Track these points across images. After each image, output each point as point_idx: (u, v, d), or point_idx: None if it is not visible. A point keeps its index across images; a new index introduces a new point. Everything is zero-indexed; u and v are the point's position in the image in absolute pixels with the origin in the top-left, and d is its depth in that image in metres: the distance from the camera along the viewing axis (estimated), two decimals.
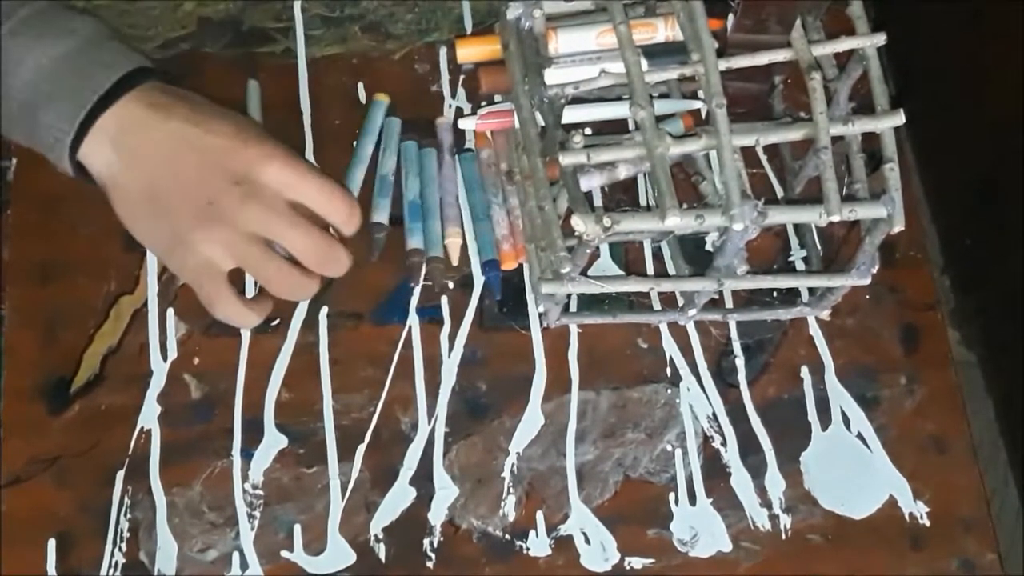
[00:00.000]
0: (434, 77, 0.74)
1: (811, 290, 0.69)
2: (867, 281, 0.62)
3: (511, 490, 0.65)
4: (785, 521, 0.65)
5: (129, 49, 0.61)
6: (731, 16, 0.64)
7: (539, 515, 0.65)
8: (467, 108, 0.73)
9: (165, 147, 0.59)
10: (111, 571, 0.63)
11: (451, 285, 0.69)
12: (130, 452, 0.65)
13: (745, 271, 0.60)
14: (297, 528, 0.64)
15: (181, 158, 0.59)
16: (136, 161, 0.59)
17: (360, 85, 0.74)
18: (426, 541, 0.64)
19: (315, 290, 0.64)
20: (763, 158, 0.73)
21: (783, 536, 0.65)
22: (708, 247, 0.70)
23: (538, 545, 0.64)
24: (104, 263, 0.69)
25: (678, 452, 0.67)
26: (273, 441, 0.66)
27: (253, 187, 0.59)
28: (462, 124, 0.70)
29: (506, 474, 0.66)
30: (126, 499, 0.64)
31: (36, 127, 0.59)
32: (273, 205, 0.60)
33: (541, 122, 0.62)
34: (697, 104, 0.70)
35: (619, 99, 0.69)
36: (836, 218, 0.56)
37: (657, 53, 0.67)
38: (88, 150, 0.60)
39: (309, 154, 0.72)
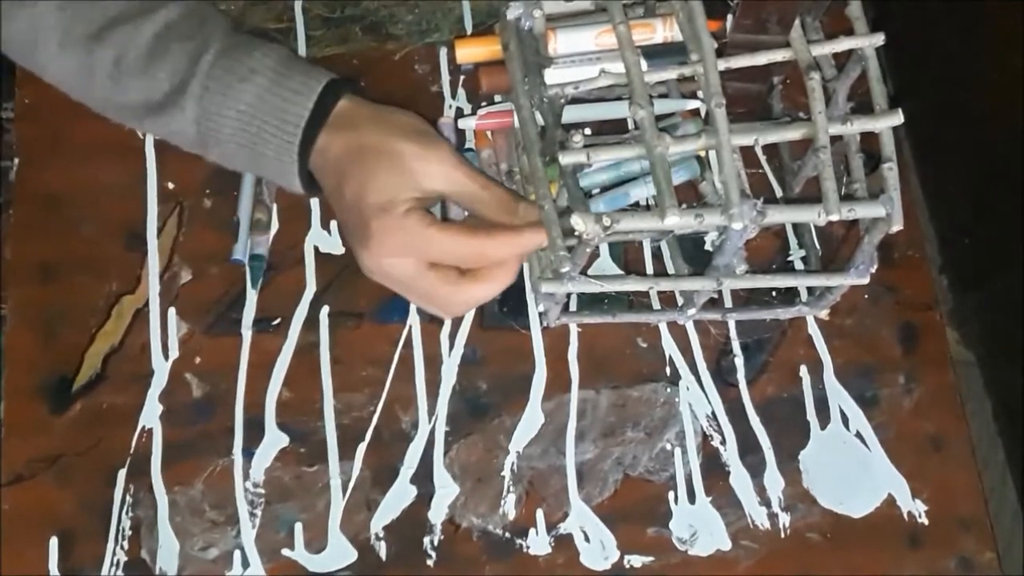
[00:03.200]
0: (434, 77, 0.75)
1: (810, 289, 0.69)
2: (866, 280, 0.62)
3: (511, 489, 0.66)
4: (784, 520, 0.65)
5: (309, 68, 0.62)
6: (730, 16, 0.64)
7: (539, 513, 0.65)
8: (467, 108, 0.74)
9: (343, 164, 0.60)
10: (113, 569, 0.63)
11: None
12: (132, 451, 0.65)
13: (744, 270, 0.60)
14: (298, 526, 0.64)
15: (347, 179, 0.59)
16: (326, 178, 0.61)
17: (360, 85, 0.74)
18: (426, 539, 0.64)
19: (491, 291, 0.61)
20: (762, 158, 0.73)
21: (782, 535, 0.65)
22: (707, 246, 0.70)
23: (538, 543, 0.64)
24: (105, 263, 0.69)
25: (677, 451, 0.67)
26: (274, 440, 0.66)
27: (372, 271, 0.60)
28: (462, 124, 0.70)
29: (506, 473, 0.66)
30: (128, 498, 0.64)
31: (260, 161, 0.61)
32: (389, 276, 0.60)
33: (541, 122, 0.62)
34: (696, 104, 0.70)
35: (619, 99, 0.70)
36: (835, 217, 0.56)
37: (656, 53, 0.67)
38: (314, 173, 0.62)
39: None
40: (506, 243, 0.59)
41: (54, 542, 0.63)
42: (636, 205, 0.67)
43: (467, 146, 0.72)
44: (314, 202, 0.71)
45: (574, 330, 0.69)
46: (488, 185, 0.61)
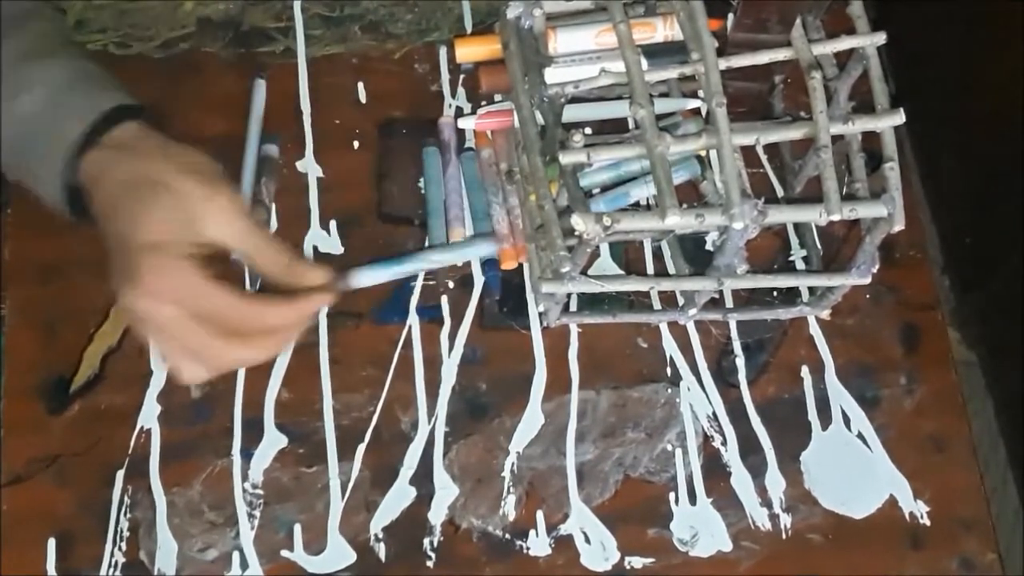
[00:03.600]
0: (434, 77, 0.74)
1: (811, 290, 0.69)
2: (867, 280, 0.62)
3: (511, 489, 0.65)
4: (785, 521, 0.65)
5: (105, 90, 0.59)
6: (731, 15, 0.64)
7: (539, 514, 0.65)
8: (467, 108, 0.73)
9: (117, 193, 0.56)
10: (111, 570, 0.63)
11: (451, 285, 0.69)
12: (130, 452, 0.65)
13: (745, 270, 0.60)
14: (297, 527, 0.64)
15: (120, 210, 0.55)
16: (98, 204, 0.56)
17: (360, 85, 0.74)
18: (426, 540, 0.64)
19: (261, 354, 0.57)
20: (763, 157, 0.73)
21: (783, 536, 0.65)
22: (708, 246, 0.70)
23: (538, 544, 0.64)
24: (104, 263, 0.68)
25: (678, 451, 0.67)
26: (273, 441, 0.66)
27: (133, 312, 0.54)
28: (462, 124, 0.70)
29: (506, 473, 0.66)
30: (126, 498, 0.64)
31: (33, 178, 0.58)
32: (149, 322, 0.54)
33: (541, 121, 0.62)
34: (697, 103, 0.70)
35: (619, 98, 0.69)
36: (836, 217, 0.56)
37: (657, 52, 0.67)
38: (89, 199, 0.57)
39: (309, 154, 0.72)
40: (286, 309, 0.56)
41: (52, 543, 0.63)
42: (636, 205, 0.67)
43: (467, 145, 0.72)
44: (313, 201, 0.71)
45: (574, 330, 0.69)
46: (272, 242, 0.57)
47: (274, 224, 0.70)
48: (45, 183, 0.58)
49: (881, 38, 0.60)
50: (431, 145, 0.72)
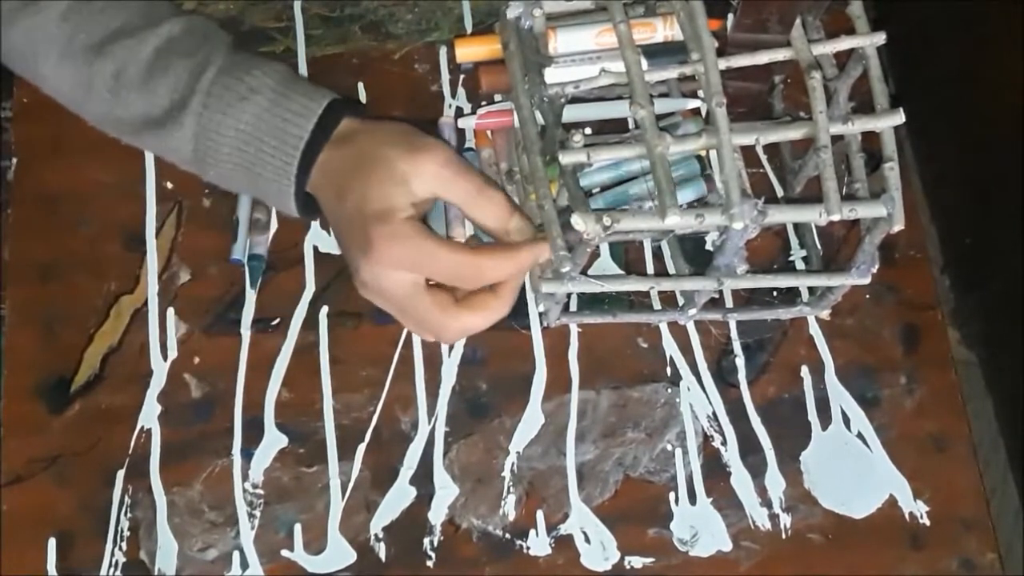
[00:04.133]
0: (434, 77, 0.74)
1: (811, 290, 0.69)
2: (867, 280, 0.62)
3: (511, 489, 0.65)
4: (785, 520, 0.65)
5: (310, 88, 0.61)
6: (731, 15, 0.64)
7: (539, 514, 0.65)
8: (467, 107, 0.73)
9: (341, 177, 0.59)
10: (111, 570, 0.63)
11: None
12: (130, 451, 0.65)
13: (745, 270, 0.60)
14: (297, 527, 0.64)
15: (347, 190, 0.59)
16: (326, 193, 0.60)
17: (360, 85, 0.74)
18: (426, 540, 0.64)
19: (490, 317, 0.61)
20: (763, 157, 0.73)
21: (783, 536, 0.65)
22: (708, 246, 0.70)
23: (538, 544, 0.64)
24: (104, 263, 0.69)
25: (678, 451, 0.67)
26: (273, 440, 0.66)
27: (370, 287, 0.59)
28: (462, 123, 0.70)
29: (506, 473, 0.66)
30: (126, 498, 0.64)
31: (257, 182, 0.61)
32: (385, 292, 0.59)
33: (541, 121, 0.62)
34: (697, 103, 0.70)
35: (619, 98, 0.69)
36: (836, 217, 0.56)
37: (657, 52, 0.67)
38: (315, 193, 0.61)
39: None
40: (502, 261, 0.59)
41: (52, 543, 0.63)
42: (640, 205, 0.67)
43: (467, 145, 0.72)
44: None
45: (574, 330, 0.69)
46: (482, 187, 0.59)
47: (274, 224, 0.70)
48: (272, 187, 0.60)
49: (881, 38, 0.60)
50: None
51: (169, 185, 0.71)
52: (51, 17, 0.60)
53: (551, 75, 0.64)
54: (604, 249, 0.70)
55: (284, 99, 0.60)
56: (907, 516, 0.66)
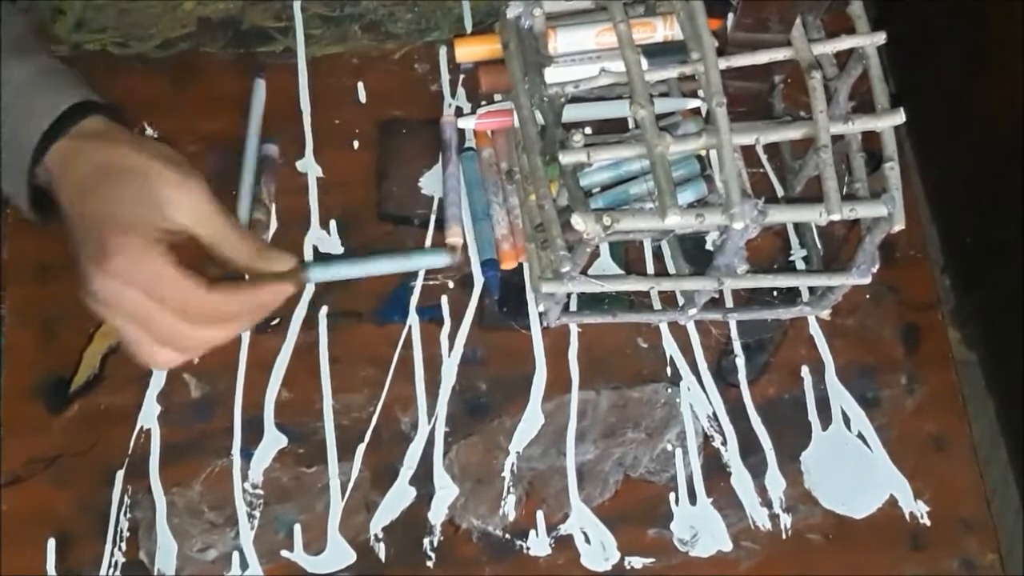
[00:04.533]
0: (434, 76, 0.74)
1: (811, 289, 0.69)
2: (867, 280, 0.62)
3: (511, 490, 0.65)
4: (785, 521, 0.65)
5: (70, 88, 0.58)
6: (731, 15, 0.64)
7: (539, 514, 0.65)
8: (467, 107, 0.73)
9: (88, 178, 0.56)
10: (111, 571, 0.63)
11: (451, 285, 0.69)
12: (130, 452, 0.65)
13: (745, 270, 0.60)
14: (297, 528, 0.64)
15: (91, 194, 0.56)
16: (66, 191, 0.57)
17: (360, 85, 0.74)
18: (426, 540, 0.64)
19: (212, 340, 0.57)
20: (763, 157, 0.73)
21: (783, 536, 0.65)
22: (708, 246, 0.70)
23: (538, 544, 0.64)
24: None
25: (678, 451, 0.66)
26: (273, 441, 0.66)
27: (100, 296, 0.55)
28: (462, 123, 0.70)
29: (506, 474, 0.66)
30: (126, 499, 0.64)
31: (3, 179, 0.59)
32: (119, 307, 0.55)
33: (541, 121, 0.62)
34: (697, 103, 0.70)
35: (619, 98, 0.69)
36: (836, 217, 0.56)
37: (656, 52, 0.67)
38: (55, 190, 0.58)
39: (309, 154, 0.72)
40: (248, 298, 0.57)
41: (52, 543, 0.63)
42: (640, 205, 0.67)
43: (467, 145, 0.72)
44: (314, 201, 0.71)
45: (574, 330, 0.69)
46: (235, 225, 0.57)
47: (274, 224, 0.70)
48: (12, 180, 0.58)
49: (881, 38, 0.60)
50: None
51: None
52: None
53: (551, 75, 0.64)
54: (604, 249, 0.70)
55: (35, 92, 0.58)
56: (907, 516, 0.66)
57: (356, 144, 0.72)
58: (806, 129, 0.58)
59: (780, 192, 0.72)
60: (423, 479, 0.65)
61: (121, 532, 0.63)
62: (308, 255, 0.69)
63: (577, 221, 0.53)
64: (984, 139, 0.98)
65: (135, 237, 0.54)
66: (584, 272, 0.59)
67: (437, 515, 0.65)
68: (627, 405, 0.67)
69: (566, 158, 0.56)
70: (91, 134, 0.57)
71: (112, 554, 0.63)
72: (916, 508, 0.66)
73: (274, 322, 0.68)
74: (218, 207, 0.57)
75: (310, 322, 0.68)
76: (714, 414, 0.67)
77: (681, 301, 0.67)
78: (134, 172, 0.55)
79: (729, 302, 0.69)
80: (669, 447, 0.67)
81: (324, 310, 0.68)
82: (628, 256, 0.70)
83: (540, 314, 0.68)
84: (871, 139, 0.60)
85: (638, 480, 0.66)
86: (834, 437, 0.67)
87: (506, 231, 0.69)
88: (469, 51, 0.73)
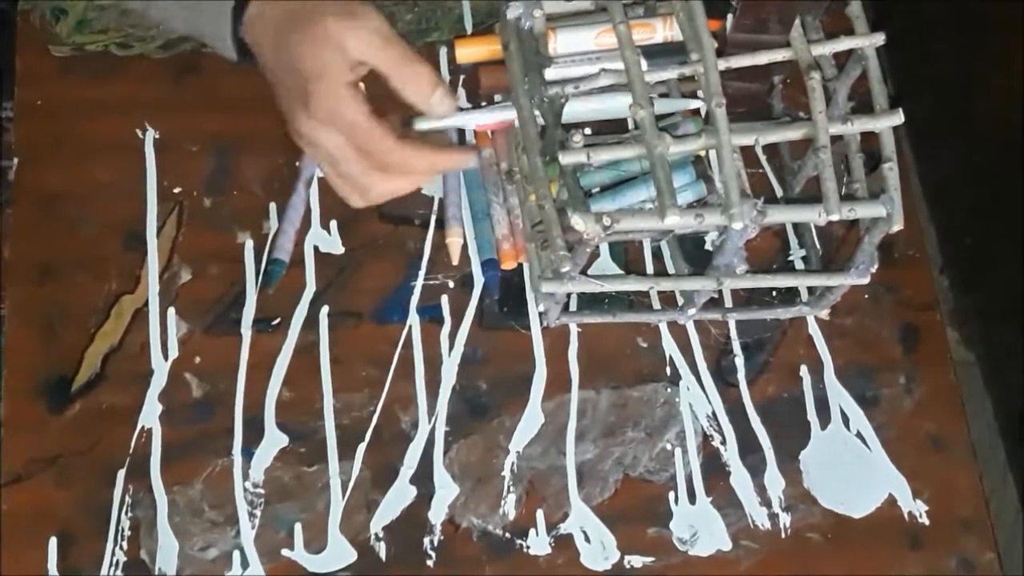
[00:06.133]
0: None
1: (810, 289, 0.69)
2: (866, 280, 0.62)
3: (511, 489, 0.65)
4: (784, 520, 0.65)
5: None
6: (730, 16, 0.64)
7: (539, 514, 0.65)
8: (467, 107, 0.73)
9: (279, 28, 0.60)
10: (112, 570, 0.63)
11: (451, 285, 0.69)
12: (131, 451, 0.65)
13: (744, 270, 0.60)
14: (298, 527, 0.64)
15: (285, 42, 0.60)
16: (263, 41, 0.61)
17: (360, 85, 0.74)
18: (426, 540, 0.64)
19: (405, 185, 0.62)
20: (762, 158, 0.73)
21: (782, 535, 0.65)
22: (708, 246, 0.70)
23: (538, 544, 0.64)
24: (104, 262, 0.69)
25: (678, 451, 0.67)
26: (274, 440, 0.66)
27: (317, 116, 0.59)
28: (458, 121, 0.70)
29: (506, 473, 0.66)
30: (127, 498, 0.64)
31: (197, 20, 0.63)
32: (319, 145, 0.60)
33: (541, 121, 0.62)
34: (697, 103, 0.70)
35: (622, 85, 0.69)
36: (835, 217, 0.56)
37: (656, 53, 0.67)
38: (251, 44, 0.62)
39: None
40: (428, 159, 0.61)
41: (53, 542, 0.63)
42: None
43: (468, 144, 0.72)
44: (314, 202, 0.71)
45: (574, 330, 0.69)
46: (410, 59, 0.60)
47: (273, 224, 0.70)
48: (211, 26, 0.62)
49: (880, 39, 0.60)
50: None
51: (169, 185, 0.71)
52: None
53: (551, 75, 0.64)
54: (604, 249, 0.70)
55: None
56: (906, 516, 0.66)
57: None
58: (805, 130, 0.58)
59: (779, 192, 0.73)
60: (423, 478, 0.65)
61: (122, 531, 0.64)
62: (308, 255, 0.70)
63: (577, 221, 0.54)
64: (983, 139, 0.98)
65: (330, 82, 0.58)
66: (584, 272, 0.59)
67: (437, 514, 0.65)
68: (627, 404, 0.68)
69: (566, 158, 0.56)
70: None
71: (113, 553, 0.63)
72: (915, 507, 0.66)
73: (275, 322, 0.68)
74: (390, 39, 0.59)
75: (311, 322, 0.68)
76: (713, 413, 0.68)
77: (680, 301, 0.67)
78: (310, 18, 0.58)
79: (728, 302, 0.69)
80: (669, 446, 0.67)
81: (325, 310, 0.68)
82: (628, 256, 0.70)
83: (540, 314, 0.68)
84: (870, 139, 0.60)
85: (638, 479, 0.66)
86: (833, 437, 0.68)
87: (506, 231, 0.69)
88: (469, 52, 0.73)
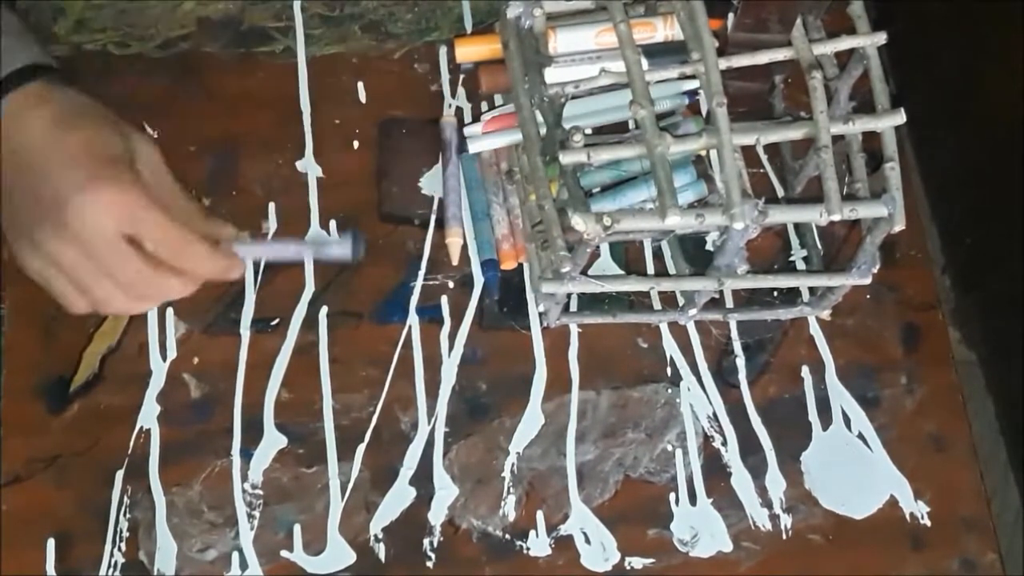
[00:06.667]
0: (434, 76, 0.74)
1: (812, 290, 0.69)
2: (868, 280, 0.62)
3: (511, 490, 0.65)
4: (785, 521, 0.65)
5: (26, 44, 0.59)
6: (731, 15, 0.64)
7: (539, 515, 0.65)
8: (467, 107, 0.73)
9: (66, 113, 0.57)
10: (110, 571, 0.63)
11: (451, 285, 0.69)
12: (129, 452, 0.65)
13: (746, 271, 0.60)
14: (297, 528, 0.64)
15: (75, 128, 0.57)
16: (41, 119, 0.57)
17: (360, 85, 0.74)
18: (426, 541, 0.64)
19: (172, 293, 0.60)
20: (763, 157, 0.73)
21: (783, 536, 0.65)
22: (708, 246, 0.70)
23: (538, 545, 0.64)
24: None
25: (678, 452, 0.66)
26: (273, 441, 0.66)
27: (74, 228, 0.55)
28: (467, 131, 0.70)
29: (506, 474, 0.66)
30: (125, 499, 0.64)
31: None
32: (91, 250, 0.56)
33: (541, 120, 0.61)
34: (694, 84, 0.69)
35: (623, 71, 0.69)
36: (837, 217, 0.56)
37: (657, 52, 0.67)
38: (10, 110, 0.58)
39: (309, 154, 0.72)
40: (209, 254, 0.59)
41: (52, 543, 0.63)
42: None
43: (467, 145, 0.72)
44: (313, 201, 0.71)
45: (574, 330, 0.69)
46: (183, 190, 0.60)
47: (273, 224, 0.70)
48: None
49: (882, 38, 0.60)
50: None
51: None
52: None
53: (551, 75, 0.64)
54: (604, 249, 0.70)
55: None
56: (908, 516, 0.66)
57: (356, 144, 0.72)
58: (807, 129, 0.58)
59: (780, 192, 0.72)
60: (423, 479, 0.65)
61: (121, 532, 0.63)
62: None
63: (577, 221, 0.53)
64: (984, 139, 0.98)
65: (124, 170, 0.56)
66: (584, 272, 0.59)
67: (437, 515, 0.64)
68: (627, 405, 0.67)
69: (567, 158, 0.56)
70: (35, 96, 0.58)
71: (112, 554, 0.63)
72: (916, 508, 0.66)
73: (274, 322, 0.68)
74: (166, 166, 0.59)
75: (310, 322, 0.68)
76: (714, 414, 0.67)
77: (681, 301, 0.67)
78: (107, 117, 0.57)
79: (729, 302, 0.69)
80: (669, 447, 0.67)
81: (324, 310, 0.68)
82: (628, 256, 0.70)
83: (540, 314, 0.68)
84: (871, 139, 0.60)
85: (638, 480, 0.66)
86: (834, 437, 0.67)
87: (506, 231, 0.69)
88: (469, 51, 0.73)
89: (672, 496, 0.65)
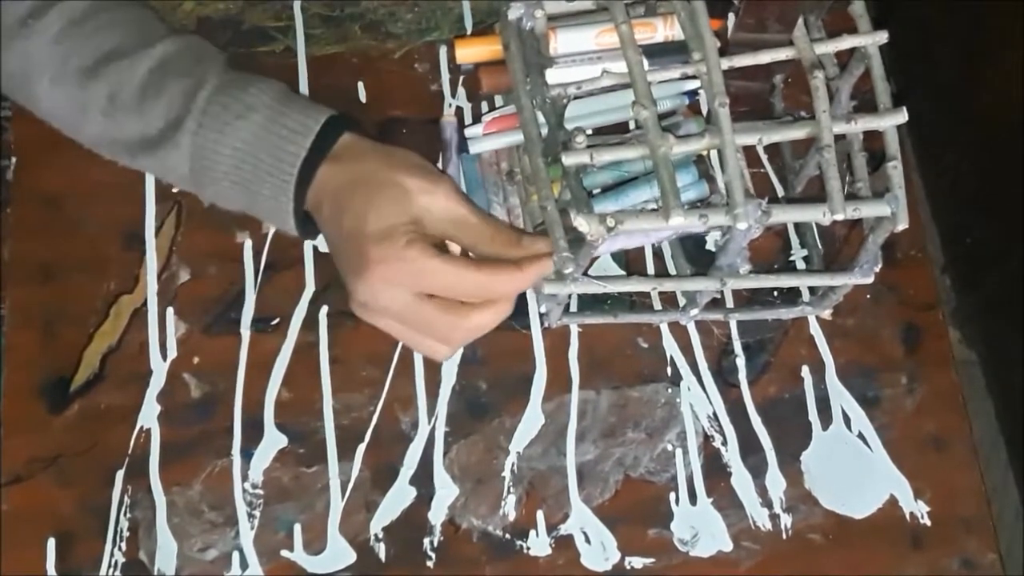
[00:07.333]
0: (434, 77, 0.74)
1: (812, 289, 0.69)
2: (870, 280, 0.62)
3: (511, 489, 0.65)
4: (786, 521, 0.65)
5: (307, 105, 0.60)
6: (732, 15, 0.64)
7: (539, 514, 0.65)
8: (467, 107, 0.73)
9: (342, 194, 0.58)
10: (111, 570, 0.63)
11: None
12: (130, 451, 0.65)
13: (748, 270, 0.60)
14: (297, 527, 0.64)
15: (347, 208, 0.58)
16: (325, 210, 0.59)
17: (360, 85, 0.74)
18: (426, 540, 0.64)
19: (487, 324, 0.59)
20: (764, 157, 0.73)
21: (784, 536, 0.65)
22: (710, 246, 0.70)
23: (538, 544, 0.64)
24: (104, 262, 0.69)
25: (678, 451, 0.66)
26: (273, 440, 0.66)
27: (372, 305, 0.57)
28: (469, 133, 0.70)
29: (506, 473, 0.66)
30: (126, 498, 0.64)
31: (256, 200, 0.60)
32: (395, 317, 0.58)
33: (542, 122, 0.61)
34: (694, 83, 0.69)
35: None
36: (840, 217, 0.56)
37: (657, 53, 0.67)
38: (313, 211, 0.60)
39: None
40: (511, 278, 0.58)
41: (52, 543, 0.63)
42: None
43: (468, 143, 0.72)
44: None
45: (575, 330, 0.69)
46: (492, 222, 0.59)
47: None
48: (270, 204, 0.60)
49: (883, 37, 0.60)
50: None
51: (168, 184, 0.70)
52: (44, 40, 0.60)
53: (552, 76, 0.63)
54: None
55: (281, 116, 0.59)
56: (908, 516, 0.66)
57: None
58: (809, 129, 0.58)
59: (781, 192, 0.72)
60: (423, 479, 0.65)
61: (121, 532, 0.63)
62: (308, 255, 0.69)
63: (580, 222, 0.53)
64: (984, 139, 0.98)
65: (393, 245, 0.55)
66: (586, 273, 0.59)
67: (437, 515, 0.65)
68: (627, 405, 0.67)
69: (569, 159, 0.56)
70: (343, 152, 0.59)
71: (112, 554, 0.63)
72: (916, 508, 0.66)
73: (274, 322, 0.68)
74: (471, 207, 0.58)
75: (310, 322, 0.68)
76: (714, 414, 0.67)
77: (682, 301, 0.67)
78: (386, 184, 0.57)
79: (730, 302, 0.69)
80: (669, 447, 0.67)
81: (324, 310, 0.68)
82: (629, 256, 0.70)
83: (541, 315, 0.68)
84: (871, 139, 0.60)
85: (638, 480, 0.66)
86: (834, 437, 0.67)
87: None
88: (469, 52, 0.73)
89: (672, 496, 0.65)
